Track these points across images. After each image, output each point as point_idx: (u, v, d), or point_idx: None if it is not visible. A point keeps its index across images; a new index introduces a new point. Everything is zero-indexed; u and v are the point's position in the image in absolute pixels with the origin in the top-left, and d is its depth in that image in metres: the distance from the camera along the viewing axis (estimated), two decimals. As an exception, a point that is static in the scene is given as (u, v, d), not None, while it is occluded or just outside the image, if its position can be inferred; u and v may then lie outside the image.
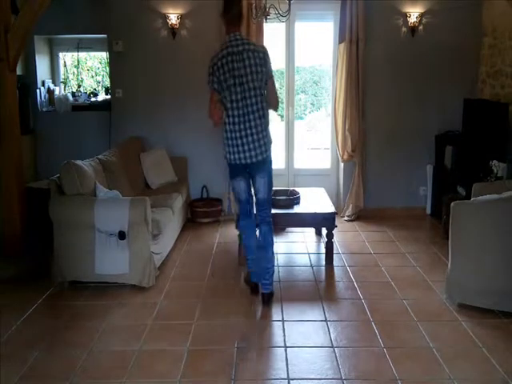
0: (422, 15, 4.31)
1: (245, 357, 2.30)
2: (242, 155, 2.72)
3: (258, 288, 2.90)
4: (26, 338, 2.49)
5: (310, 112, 6.38)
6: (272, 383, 2.12)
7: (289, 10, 3.29)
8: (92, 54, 5.24)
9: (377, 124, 4.48)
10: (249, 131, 2.69)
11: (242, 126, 2.69)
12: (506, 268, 2.58)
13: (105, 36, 4.41)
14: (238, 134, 2.70)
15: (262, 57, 2.68)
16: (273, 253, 2.91)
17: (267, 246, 2.87)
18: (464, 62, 4.38)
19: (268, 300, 2.84)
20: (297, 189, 3.87)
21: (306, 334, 2.53)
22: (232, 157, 2.75)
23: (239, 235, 3.30)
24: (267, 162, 2.79)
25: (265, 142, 2.73)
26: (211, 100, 2.71)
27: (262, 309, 2.80)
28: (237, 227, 3.28)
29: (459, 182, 3.98)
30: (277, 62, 4.81)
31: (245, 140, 2.69)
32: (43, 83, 4.74)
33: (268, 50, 2.74)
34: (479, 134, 3.88)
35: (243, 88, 2.66)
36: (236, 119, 2.69)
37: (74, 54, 5.01)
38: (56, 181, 3.08)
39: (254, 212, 2.93)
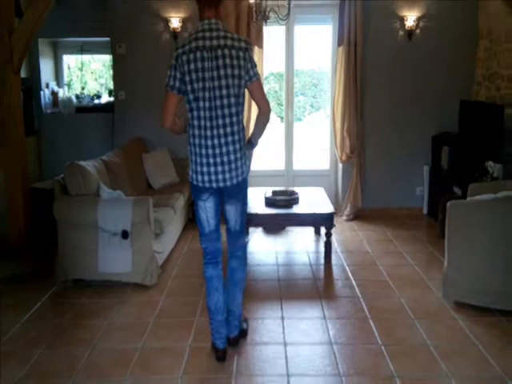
0: (419, 19, 4.36)
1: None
2: (206, 178, 2.15)
3: (225, 355, 2.29)
4: (29, 335, 2.51)
5: (309, 114, 6.43)
6: (272, 380, 2.15)
7: (288, 13, 3.34)
8: (96, 56, 5.28)
9: (375, 125, 4.52)
10: (218, 150, 2.10)
11: (209, 143, 2.10)
12: (500, 267, 2.61)
13: (108, 39, 4.44)
14: (203, 151, 2.12)
15: (242, 56, 2.06)
16: (241, 294, 2.35)
17: (234, 285, 2.32)
18: (460, 65, 4.42)
19: (233, 343, 2.36)
20: (296, 189, 3.91)
21: (305, 331, 2.55)
22: (197, 177, 2.16)
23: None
24: (241, 188, 2.22)
25: (237, 166, 2.15)
26: (166, 104, 2.11)
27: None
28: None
29: (455, 183, 4.01)
30: (276, 64, 4.86)
31: (212, 160, 2.11)
32: (47, 85, 4.78)
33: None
34: (475, 136, 3.91)
35: (213, 95, 2.06)
36: (202, 132, 2.10)
37: (77, 56, 5.05)
38: (60, 181, 3.11)
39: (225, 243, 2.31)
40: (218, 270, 2.33)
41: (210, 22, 2.10)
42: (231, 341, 2.36)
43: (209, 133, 2.11)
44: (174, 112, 2.14)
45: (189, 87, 2.09)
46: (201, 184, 2.18)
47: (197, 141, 2.14)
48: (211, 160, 2.13)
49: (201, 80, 2.06)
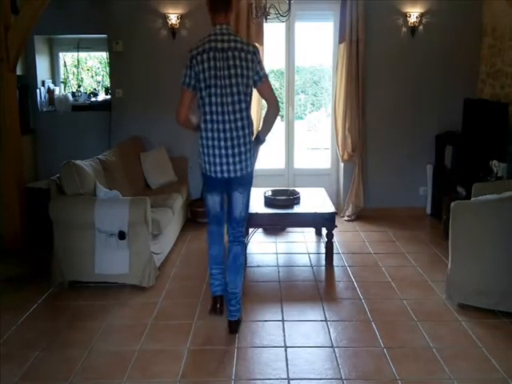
0: (422, 15, 4.31)
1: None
2: (218, 168, 2.37)
3: (222, 306, 2.48)
4: (26, 337, 2.49)
5: (310, 112, 6.39)
6: (272, 383, 2.12)
7: (289, 9, 3.29)
8: (92, 53, 5.23)
9: (377, 124, 4.48)
10: (229, 143, 2.33)
11: (221, 135, 2.33)
12: (506, 268, 2.58)
13: (105, 36, 4.41)
14: (216, 143, 2.34)
15: (250, 58, 2.31)
16: (242, 276, 2.56)
17: (237, 269, 2.51)
18: (464, 62, 4.38)
19: (235, 328, 2.53)
20: (297, 189, 3.87)
21: (306, 333, 2.53)
22: (209, 167, 2.39)
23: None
24: (248, 178, 2.45)
25: (247, 157, 2.38)
26: (182, 99, 2.35)
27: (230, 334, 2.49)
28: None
29: (459, 182, 3.98)
30: (277, 61, 4.81)
31: (223, 152, 2.34)
32: (43, 83, 4.73)
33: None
34: (479, 134, 3.88)
35: (224, 92, 2.30)
36: (215, 126, 2.33)
37: (73, 54, 5.00)
38: (56, 181, 3.08)
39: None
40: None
41: (221, 28, 2.34)
42: (233, 324, 2.52)
43: (221, 126, 2.34)
44: (188, 106, 2.39)
45: (203, 84, 2.33)
46: (213, 174, 2.40)
47: (209, 134, 2.37)
48: (223, 151, 2.35)
49: (213, 77, 2.31)
